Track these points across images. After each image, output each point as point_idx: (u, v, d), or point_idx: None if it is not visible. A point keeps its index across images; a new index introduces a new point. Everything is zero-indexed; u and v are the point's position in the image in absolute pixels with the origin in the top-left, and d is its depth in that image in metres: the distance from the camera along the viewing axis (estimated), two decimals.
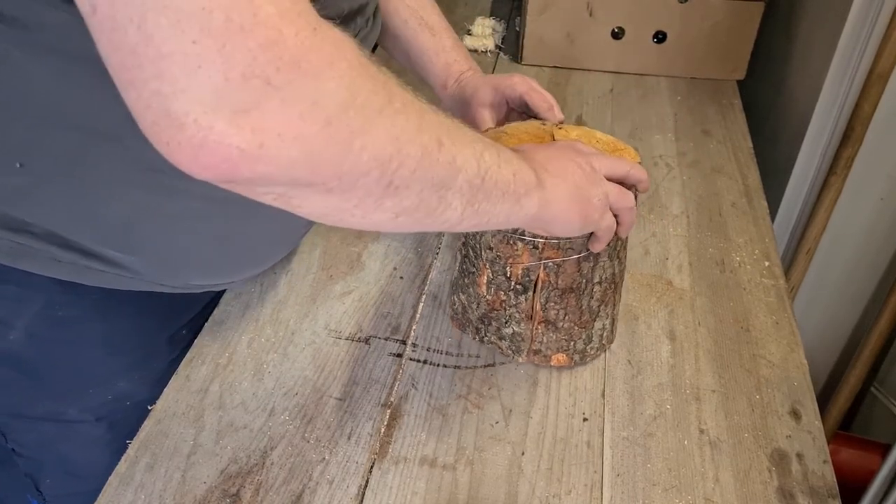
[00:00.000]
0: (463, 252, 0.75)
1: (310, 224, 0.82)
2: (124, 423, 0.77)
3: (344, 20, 0.66)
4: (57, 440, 0.79)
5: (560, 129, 0.74)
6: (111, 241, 0.66)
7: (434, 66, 0.85)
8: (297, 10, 0.39)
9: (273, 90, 0.38)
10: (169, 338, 0.80)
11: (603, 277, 0.71)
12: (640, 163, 0.71)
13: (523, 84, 0.80)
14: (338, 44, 0.41)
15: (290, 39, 0.38)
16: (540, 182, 0.58)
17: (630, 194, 0.66)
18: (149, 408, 0.72)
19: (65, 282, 0.67)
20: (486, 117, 0.80)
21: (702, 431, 0.71)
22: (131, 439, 0.72)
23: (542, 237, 0.67)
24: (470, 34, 1.38)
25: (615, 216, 0.66)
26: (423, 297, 0.84)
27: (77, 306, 0.71)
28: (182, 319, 0.81)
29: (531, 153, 0.61)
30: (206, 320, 0.83)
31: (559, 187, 0.60)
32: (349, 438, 0.70)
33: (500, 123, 0.81)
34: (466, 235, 0.74)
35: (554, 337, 0.73)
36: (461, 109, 0.82)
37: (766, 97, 1.37)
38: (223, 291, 0.84)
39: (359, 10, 0.69)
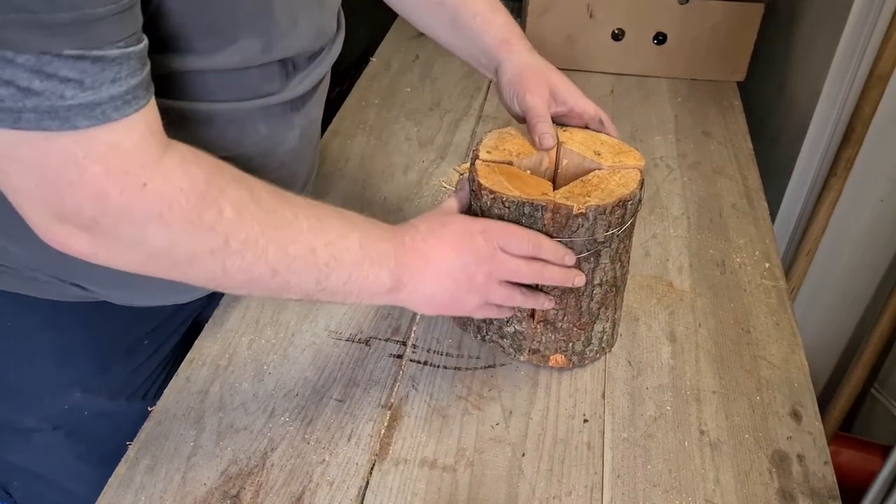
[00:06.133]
0: None
1: None
2: (83, 432, 0.77)
3: (310, 58, 0.68)
4: (16, 448, 0.79)
5: (564, 131, 0.74)
6: (49, 268, 0.67)
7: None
8: (125, 169, 0.47)
9: (101, 228, 0.48)
10: (127, 348, 0.79)
11: (604, 280, 0.71)
12: (644, 165, 0.70)
13: (591, 110, 0.75)
14: (171, 196, 0.49)
15: (114, 196, 0.47)
16: (396, 287, 0.62)
17: (534, 266, 0.65)
18: (149, 409, 0.72)
19: (12, 293, 0.68)
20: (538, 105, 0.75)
21: (702, 433, 0.71)
22: (93, 447, 0.71)
23: (543, 235, 0.66)
24: None
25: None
26: None
27: (26, 318, 0.71)
28: (141, 330, 0.80)
29: (412, 248, 0.62)
30: (173, 331, 0.83)
31: (418, 291, 0.63)
32: (349, 440, 0.69)
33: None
34: None
35: (553, 337, 0.73)
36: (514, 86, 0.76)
37: (766, 98, 1.37)
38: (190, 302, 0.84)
39: (319, 52, 0.69)
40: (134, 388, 0.81)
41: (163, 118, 0.51)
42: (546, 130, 0.71)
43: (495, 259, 0.64)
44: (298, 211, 0.56)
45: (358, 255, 0.58)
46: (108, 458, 0.67)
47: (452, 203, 0.70)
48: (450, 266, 0.63)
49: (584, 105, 0.74)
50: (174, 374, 0.75)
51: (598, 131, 0.75)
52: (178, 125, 0.58)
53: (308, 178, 0.77)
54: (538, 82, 0.74)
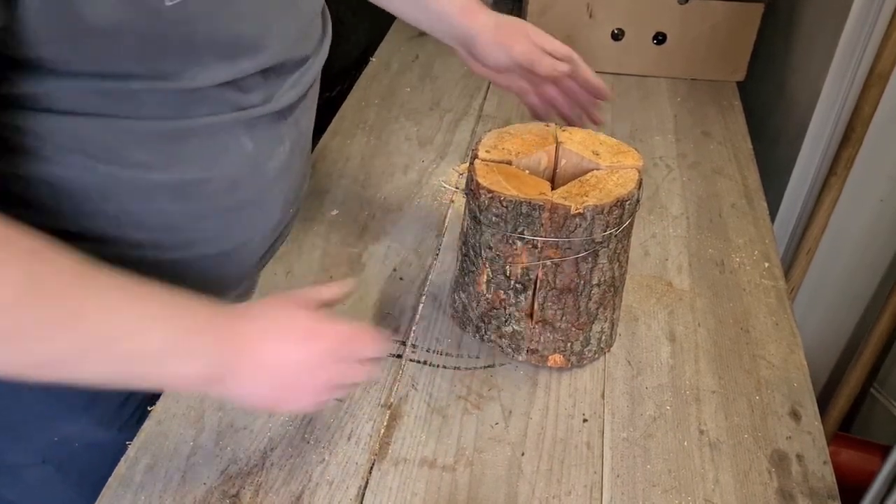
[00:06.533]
0: (463, 251, 0.76)
1: None
2: (74, 465, 0.76)
3: (297, 64, 0.67)
4: (6, 482, 0.78)
5: (564, 131, 0.74)
6: None
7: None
8: None
9: None
10: None
11: (602, 280, 0.71)
12: (642, 165, 0.71)
13: (562, 50, 0.82)
14: None
15: None
16: (211, 381, 0.55)
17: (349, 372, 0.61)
18: (148, 409, 0.72)
19: None
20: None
21: (702, 432, 0.71)
22: (85, 478, 0.70)
23: (541, 236, 0.67)
24: None
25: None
26: (423, 298, 0.84)
27: None
28: None
29: (239, 343, 0.56)
30: None
31: (239, 388, 0.57)
32: (349, 439, 0.70)
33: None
34: (466, 234, 0.74)
35: (551, 337, 0.73)
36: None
37: (766, 98, 1.37)
38: None
39: (305, 59, 0.68)
40: (127, 415, 0.79)
41: (136, 136, 0.48)
42: (552, 62, 0.78)
43: (330, 368, 0.59)
44: (96, 298, 0.50)
45: (158, 349, 0.53)
46: (101, 489, 0.65)
47: (317, 294, 0.63)
48: (279, 368, 0.57)
49: (554, 45, 0.82)
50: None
51: (589, 106, 0.82)
52: (152, 143, 0.56)
53: (298, 193, 0.76)
54: (517, 33, 0.82)
